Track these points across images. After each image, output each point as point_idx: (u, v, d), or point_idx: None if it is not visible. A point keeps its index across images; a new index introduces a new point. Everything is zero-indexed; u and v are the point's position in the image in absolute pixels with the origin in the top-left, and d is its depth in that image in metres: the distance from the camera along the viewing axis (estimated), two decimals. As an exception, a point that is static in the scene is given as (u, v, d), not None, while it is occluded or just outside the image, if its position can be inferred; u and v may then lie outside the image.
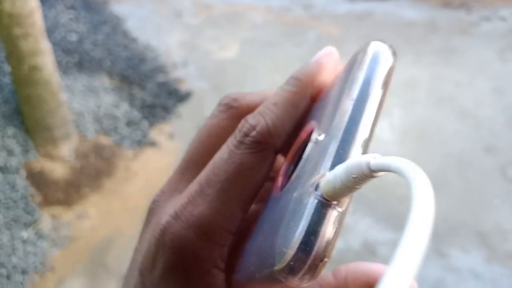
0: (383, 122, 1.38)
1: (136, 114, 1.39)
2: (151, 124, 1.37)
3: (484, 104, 1.43)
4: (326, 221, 0.14)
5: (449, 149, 1.30)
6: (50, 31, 1.56)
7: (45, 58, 1.16)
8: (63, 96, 1.25)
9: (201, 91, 1.51)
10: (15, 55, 1.14)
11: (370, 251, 1.07)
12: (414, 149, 1.30)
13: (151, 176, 1.24)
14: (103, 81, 1.49)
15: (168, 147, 1.32)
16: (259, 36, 1.78)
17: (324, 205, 0.14)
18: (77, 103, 1.38)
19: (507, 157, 1.28)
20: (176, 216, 0.16)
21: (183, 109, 1.43)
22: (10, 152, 1.20)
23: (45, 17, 1.47)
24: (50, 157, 1.23)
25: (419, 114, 1.41)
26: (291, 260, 0.14)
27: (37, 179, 1.18)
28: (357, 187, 0.13)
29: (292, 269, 0.14)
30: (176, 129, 1.37)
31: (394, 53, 0.18)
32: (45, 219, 1.12)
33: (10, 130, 1.23)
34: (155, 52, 1.65)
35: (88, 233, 1.12)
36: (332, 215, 0.14)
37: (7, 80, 1.36)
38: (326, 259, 0.14)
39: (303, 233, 0.14)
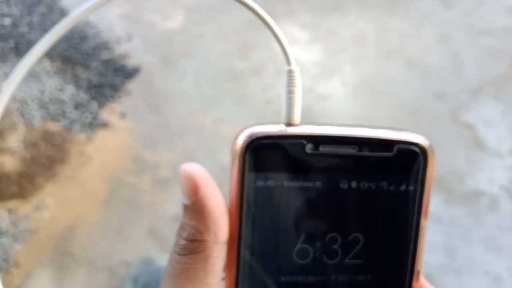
0: (335, 80, 1.39)
1: (83, 96, 1.34)
2: (101, 105, 1.32)
3: (431, 52, 1.46)
4: None
5: (401, 99, 1.33)
6: (-21, 16, 1.46)
7: (-24, 46, 1.09)
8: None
9: (149, 65, 1.46)
10: None
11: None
12: (367, 103, 1.32)
13: (107, 158, 1.21)
14: (44, 64, 1.42)
15: (121, 126, 1.29)
16: (204, 2, 1.73)
17: None
18: (19, 90, 1.31)
19: (457, 102, 1.32)
20: None
21: (133, 86, 1.39)
22: (-48, 150, 1.14)
23: (-29, 1, 1.37)
24: (-3, 150, 1.17)
25: (369, 68, 1.42)
26: None
27: (-14, 174, 1.13)
28: None
29: None
30: (127, 107, 1.33)
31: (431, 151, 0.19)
32: (2, 215, 1.08)
33: (-51, 126, 1.17)
34: (96, 28, 1.58)
35: (49, 223, 1.09)
36: None
37: None
38: None
39: None
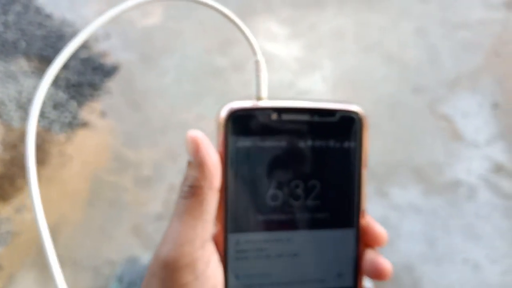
0: (315, 75, 1.40)
1: (62, 96, 1.32)
2: (80, 104, 1.31)
3: (409, 46, 1.48)
4: None
5: (379, 93, 1.34)
6: (-48, 16, 1.43)
7: (-50, 46, 1.07)
8: (-21, 85, 1.16)
9: (128, 62, 1.45)
10: None
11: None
12: (347, 97, 1.33)
13: (88, 158, 1.20)
14: (21, 64, 1.39)
15: (101, 125, 1.28)
16: (182, -1, 1.72)
17: None
18: (-4, 91, 1.29)
19: (434, 94, 1.34)
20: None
21: (112, 84, 1.38)
22: None
23: None
24: (-25, 152, 1.15)
25: (348, 63, 1.44)
26: None
27: (-36, 177, 1.11)
28: None
29: None
30: (107, 106, 1.32)
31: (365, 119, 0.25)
32: (-19, 218, 1.06)
33: None
34: (73, 26, 1.56)
35: (31, 225, 1.08)
36: None
37: None
38: None
39: None
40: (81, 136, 1.25)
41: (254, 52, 0.25)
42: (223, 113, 0.23)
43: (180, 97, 1.35)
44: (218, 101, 1.33)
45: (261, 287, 0.24)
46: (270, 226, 0.24)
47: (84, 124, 1.27)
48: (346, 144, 0.24)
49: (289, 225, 0.24)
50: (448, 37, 1.50)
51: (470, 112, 1.30)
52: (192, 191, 0.22)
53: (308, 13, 1.57)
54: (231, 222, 0.23)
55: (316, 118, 0.24)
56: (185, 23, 1.57)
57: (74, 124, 1.26)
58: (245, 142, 0.23)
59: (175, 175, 1.17)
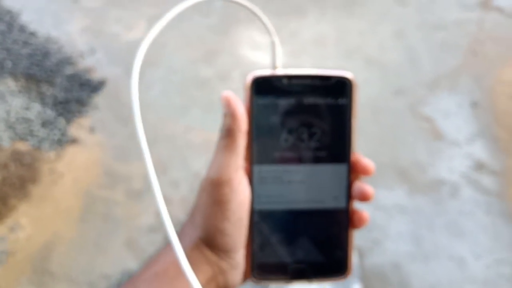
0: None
1: (50, 113, 1.33)
2: (68, 121, 1.32)
3: (388, 49, 1.52)
4: None
5: (361, 97, 1.37)
6: None
7: None
8: (-33, 107, 1.17)
9: (115, 77, 1.47)
10: None
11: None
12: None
13: (79, 174, 1.22)
14: (8, 84, 1.40)
15: (90, 141, 1.29)
16: (165, 11, 1.74)
17: None
18: (-16, 111, 1.30)
19: (415, 95, 1.38)
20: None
21: (99, 99, 1.40)
22: None
23: None
24: (-34, 173, 1.16)
25: (331, 68, 1.47)
26: None
27: (-44, 199, 1.12)
28: None
29: None
30: (95, 121, 1.34)
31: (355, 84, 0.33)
32: (-25, 238, 1.07)
33: None
34: (58, 43, 1.57)
35: (25, 244, 1.09)
36: None
37: None
38: None
39: None
40: (71, 153, 1.26)
41: (270, 34, 0.34)
42: (249, 79, 0.31)
43: (168, 109, 1.37)
44: (204, 112, 1.35)
45: (276, 204, 0.32)
46: (283, 160, 0.32)
47: (74, 141, 1.28)
48: (340, 101, 0.32)
49: (297, 160, 0.32)
50: (426, 39, 1.54)
51: (450, 112, 1.33)
52: (227, 133, 0.31)
53: (290, 21, 1.60)
54: (255, 156, 0.32)
55: (317, 82, 0.32)
56: (169, 35, 1.59)
57: (63, 141, 1.27)
58: (265, 100, 0.31)
59: (166, 186, 1.19)
